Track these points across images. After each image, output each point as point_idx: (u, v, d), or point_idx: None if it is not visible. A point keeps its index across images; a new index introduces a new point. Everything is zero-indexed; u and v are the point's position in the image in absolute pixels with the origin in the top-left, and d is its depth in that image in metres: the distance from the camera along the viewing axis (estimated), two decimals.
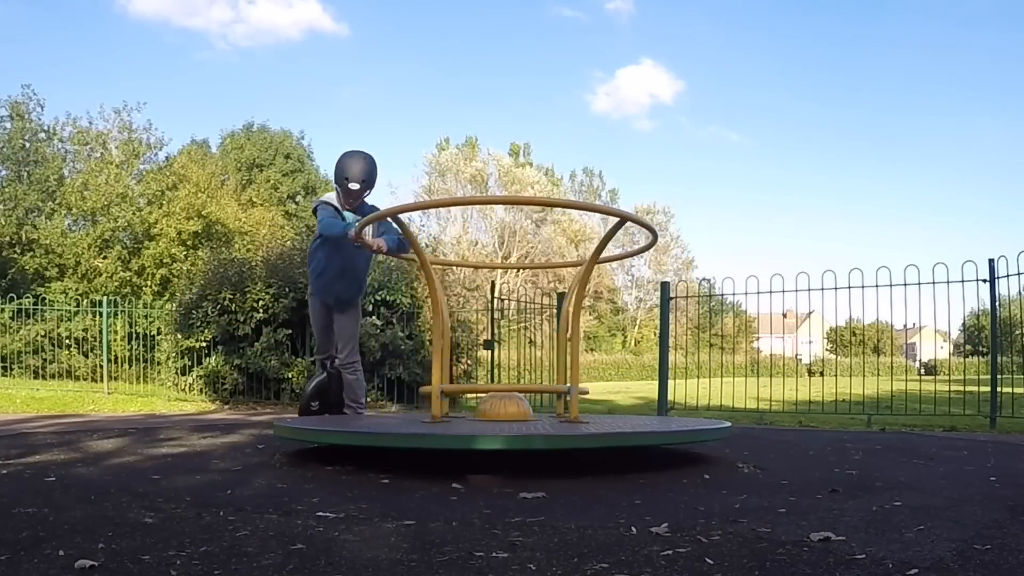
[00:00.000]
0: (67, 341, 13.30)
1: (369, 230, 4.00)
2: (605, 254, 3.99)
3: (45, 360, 12.32)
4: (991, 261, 5.95)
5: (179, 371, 9.34)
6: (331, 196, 4.23)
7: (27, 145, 20.17)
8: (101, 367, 10.56)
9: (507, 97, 56.91)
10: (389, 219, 3.86)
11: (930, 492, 2.45)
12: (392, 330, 8.45)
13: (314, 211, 4.25)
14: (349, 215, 4.15)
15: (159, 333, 11.04)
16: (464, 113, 57.63)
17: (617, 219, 3.61)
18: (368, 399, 8.47)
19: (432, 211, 34.68)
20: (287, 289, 8.64)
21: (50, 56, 43.15)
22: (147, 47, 48.66)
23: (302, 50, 52.63)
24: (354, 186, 4.07)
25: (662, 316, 7.50)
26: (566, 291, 4.51)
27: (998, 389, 5.94)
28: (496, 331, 8.37)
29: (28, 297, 12.80)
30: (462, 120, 65.11)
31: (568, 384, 3.69)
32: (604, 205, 37.92)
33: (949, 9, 51.87)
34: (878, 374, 14.41)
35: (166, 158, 22.79)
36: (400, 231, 3.85)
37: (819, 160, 57.73)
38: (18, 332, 12.64)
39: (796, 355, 16.69)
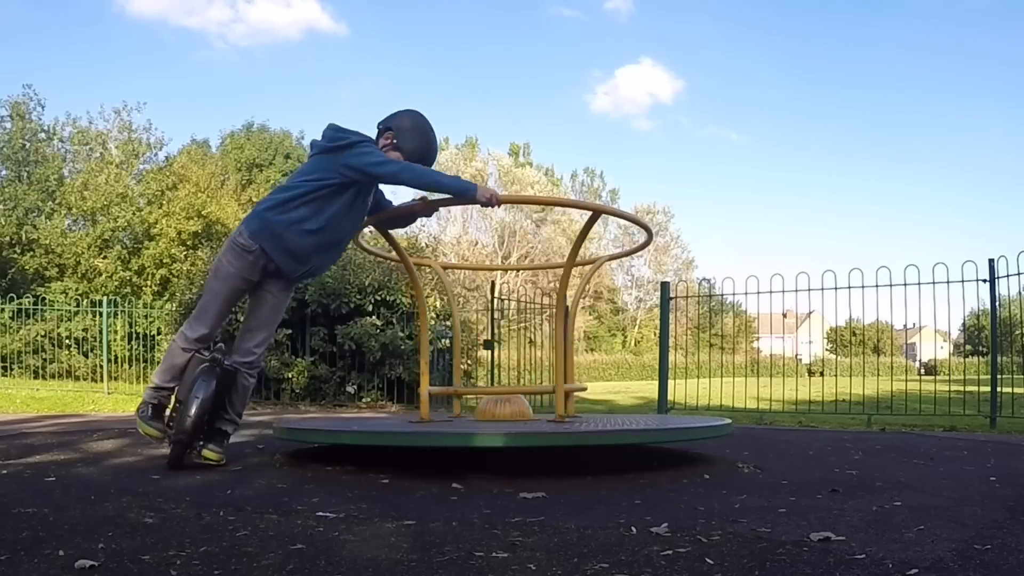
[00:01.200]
0: (67, 341, 13.30)
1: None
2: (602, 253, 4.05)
3: (45, 360, 12.33)
4: (991, 261, 5.96)
5: None
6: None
7: (27, 145, 20.20)
8: (101, 367, 10.57)
9: (507, 97, 57.09)
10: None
11: (930, 492, 2.45)
12: (392, 330, 8.46)
13: (356, 142, 2.94)
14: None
15: (159, 333, 11.06)
16: (464, 113, 57.79)
17: (590, 214, 3.54)
18: (368, 399, 8.50)
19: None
20: None
21: (50, 56, 43.22)
22: (145, 47, 48.80)
23: (301, 50, 52.77)
24: None
25: (662, 316, 7.51)
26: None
27: (998, 389, 5.94)
28: (496, 331, 8.37)
29: (28, 297, 12.81)
30: (462, 120, 65.24)
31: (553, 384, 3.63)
32: (605, 205, 37.90)
33: (949, 8, 51.97)
34: (878, 374, 14.41)
35: (166, 158, 22.83)
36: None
37: (819, 160, 57.90)
38: (18, 332, 12.65)
39: (796, 355, 16.68)
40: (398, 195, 36.21)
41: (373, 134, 3.12)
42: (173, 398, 3.13)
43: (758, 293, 6.94)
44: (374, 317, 8.49)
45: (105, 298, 11.05)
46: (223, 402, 3.09)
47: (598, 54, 59.03)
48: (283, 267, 3.03)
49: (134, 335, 12.04)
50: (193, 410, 2.89)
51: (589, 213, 3.60)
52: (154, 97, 58.06)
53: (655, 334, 34.72)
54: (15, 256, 18.51)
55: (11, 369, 12.04)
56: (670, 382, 7.24)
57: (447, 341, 9.12)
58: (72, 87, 46.54)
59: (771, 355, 18.66)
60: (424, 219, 4.29)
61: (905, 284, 6.26)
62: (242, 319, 3.28)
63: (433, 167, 3.19)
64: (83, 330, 12.93)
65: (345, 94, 55.79)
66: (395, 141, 3.09)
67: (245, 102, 57.19)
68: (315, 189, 2.96)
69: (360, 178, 2.95)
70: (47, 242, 18.63)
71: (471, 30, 56.56)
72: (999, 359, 6.52)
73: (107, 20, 46.56)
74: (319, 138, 3.03)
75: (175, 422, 2.98)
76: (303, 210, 2.96)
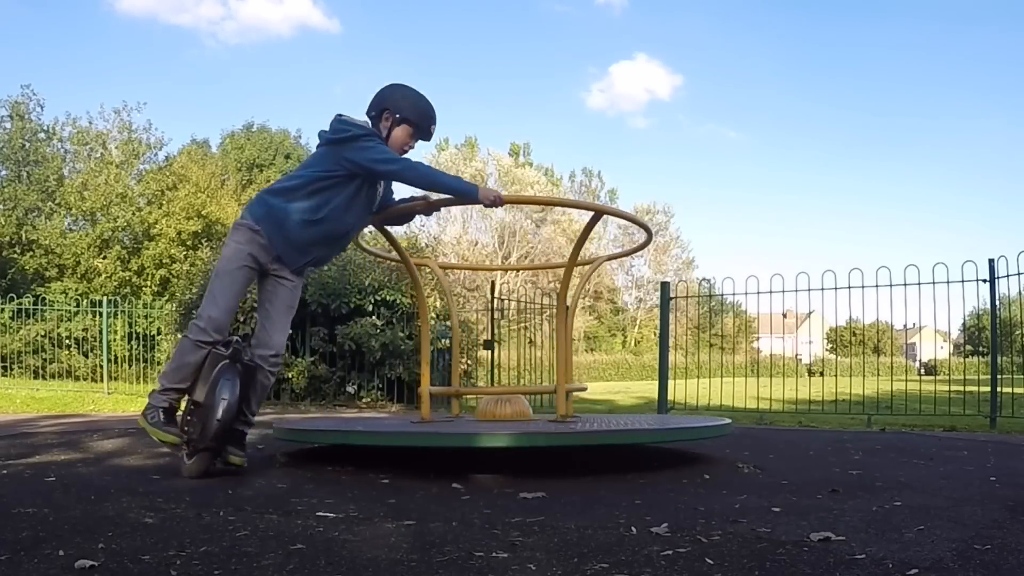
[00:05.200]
0: (67, 341, 13.31)
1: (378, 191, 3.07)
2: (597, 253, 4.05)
3: (45, 360, 12.33)
4: (991, 261, 5.96)
5: None
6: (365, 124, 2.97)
7: (27, 145, 20.20)
8: (101, 367, 10.57)
9: (503, 95, 56.66)
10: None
11: (930, 492, 2.45)
12: (392, 330, 8.46)
13: (360, 136, 2.86)
14: None
15: (159, 333, 11.06)
16: (460, 111, 57.45)
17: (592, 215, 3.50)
18: (368, 399, 8.50)
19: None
20: None
21: (46, 56, 43.14)
22: (136, 46, 48.48)
23: (293, 47, 52.46)
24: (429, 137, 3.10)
25: (662, 316, 7.51)
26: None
27: (998, 389, 5.94)
28: (496, 331, 8.37)
29: (28, 297, 12.81)
30: (459, 119, 64.95)
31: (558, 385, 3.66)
32: (604, 205, 37.90)
33: (949, 7, 51.89)
34: (878, 374, 14.41)
35: (166, 158, 22.83)
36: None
37: (819, 159, 57.69)
38: (18, 332, 12.65)
39: (796, 355, 16.68)
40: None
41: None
42: (184, 399, 2.86)
43: (758, 293, 6.94)
44: (374, 317, 8.48)
45: (105, 298, 11.05)
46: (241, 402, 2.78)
47: (592, 50, 58.32)
48: (284, 256, 2.89)
49: (134, 335, 12.04)
50: (220, 414, 2.61)
51: (590, 214, 3.58)
52: (151, 97, 57.81)
53: (655, 334, 34.73)
54: (15, 256, 18.52)
55: (11, 369, 12.04)
56: (670, 382, 7.24)
57: (447, 341, 9.12)
58: (70, 87, 46.48)
59: (771, 355, 18.68)
60: (424, 219, 4.38)
61: (905, 284, 6.27)
62: (257, 312, 3.06)
63: (437, 167, 3.18)
64: (83, 330, 12.92)
65: (339, 91, 55.57)
66: (397, 116, 2.97)
67: (239, 101, 56.76)
68: (318, 179, 2.87)
69: (362, 173, 2.87)
70: (47, 242, 18.63)
71: (462, 26, 56.05)
72: (999, 359, 6.53)
73: (98, 19, 46.35)
74: (326, 128, 2.96)
75: (198, 428, 2.69)
76: (305, 201, 2.86)
